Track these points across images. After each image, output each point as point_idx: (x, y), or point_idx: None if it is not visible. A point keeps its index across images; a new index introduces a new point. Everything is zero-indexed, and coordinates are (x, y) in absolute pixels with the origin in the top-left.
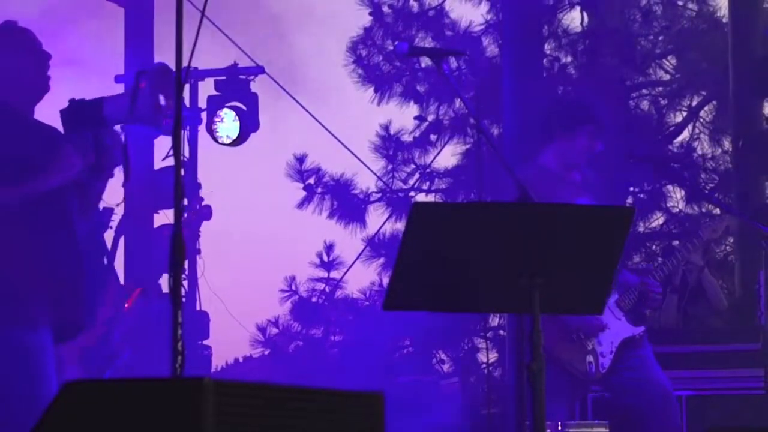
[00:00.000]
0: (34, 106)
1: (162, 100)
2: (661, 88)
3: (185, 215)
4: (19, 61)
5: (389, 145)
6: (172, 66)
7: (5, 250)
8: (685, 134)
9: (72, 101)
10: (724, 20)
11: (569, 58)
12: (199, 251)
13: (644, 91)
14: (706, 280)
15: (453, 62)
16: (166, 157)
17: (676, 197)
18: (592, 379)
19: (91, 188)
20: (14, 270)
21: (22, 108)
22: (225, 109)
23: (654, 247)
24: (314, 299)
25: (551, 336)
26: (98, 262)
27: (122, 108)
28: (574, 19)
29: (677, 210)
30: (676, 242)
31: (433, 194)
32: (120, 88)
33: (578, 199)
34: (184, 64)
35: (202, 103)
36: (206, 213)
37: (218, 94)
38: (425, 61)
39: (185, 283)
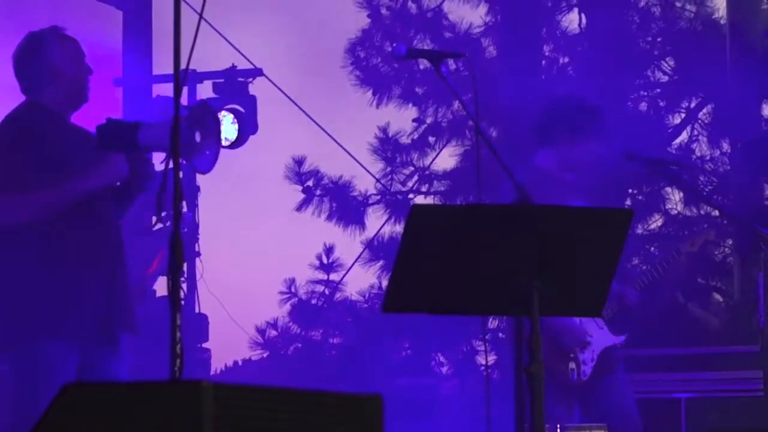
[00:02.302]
0: (72, 113)
1: (198, 137)
2: (659, 90)
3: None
4: (69, 68)
5: (388, 147)
6: (170, 68)
7: (37, 260)
8: (683, 136)
9: (110, 120)
10: (723, 21)
11: (567, 60)
12: (198, 253)
13: (642, 92)
14: (693, 311)
15: (451, 64)
16: (165, 159)
17: (675, 199)
18: (574, 385)
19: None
20: (45, 280)
21: (62, 112)
22: (223, 112)
23: (653, 249)
24: (313, 301)
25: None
26: None
27: (156, 137)
28: (573, 20)
29: (676, 212)
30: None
31: (432, 196)
32: (118, 92)
33: (571, 201)
34: (182, 66)
35: None
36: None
37: (216, 96)
38: (424, 63)
39: (184, 285)
